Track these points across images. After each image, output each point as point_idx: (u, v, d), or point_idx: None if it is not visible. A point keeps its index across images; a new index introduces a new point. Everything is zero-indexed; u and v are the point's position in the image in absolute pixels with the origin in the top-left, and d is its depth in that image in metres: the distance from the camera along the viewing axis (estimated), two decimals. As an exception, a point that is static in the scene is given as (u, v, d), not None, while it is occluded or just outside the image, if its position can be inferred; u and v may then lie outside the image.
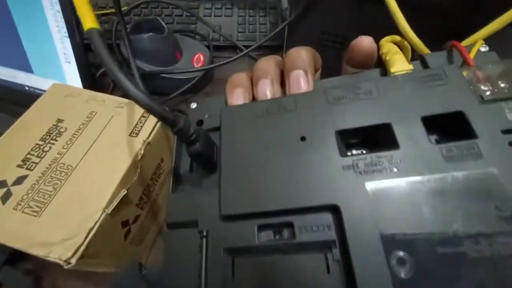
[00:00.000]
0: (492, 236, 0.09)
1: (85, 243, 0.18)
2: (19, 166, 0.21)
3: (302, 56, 0.14)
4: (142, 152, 0.22)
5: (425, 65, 0.13)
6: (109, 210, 0.20)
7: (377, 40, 0.15)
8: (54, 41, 0.30)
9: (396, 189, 0.10)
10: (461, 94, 0.11)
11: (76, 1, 0.11)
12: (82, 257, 0.18)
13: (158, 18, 0.38)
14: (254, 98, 0.15)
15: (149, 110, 0.10)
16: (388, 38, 0.16)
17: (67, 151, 0.22)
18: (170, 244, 0.11)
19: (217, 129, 0.14)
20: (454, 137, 0.10)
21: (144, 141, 0.23)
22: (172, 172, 0.13)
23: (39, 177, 0.21)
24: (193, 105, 0.16)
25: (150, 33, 0.36)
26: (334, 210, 0.10)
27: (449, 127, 0.11)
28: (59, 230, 0.18)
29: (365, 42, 0.13)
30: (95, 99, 0.25)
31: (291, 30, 0.35)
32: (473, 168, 0.10)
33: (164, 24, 0.37)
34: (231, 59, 0.37)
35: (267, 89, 0.14)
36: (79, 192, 0.20)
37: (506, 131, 0.10)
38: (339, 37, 0.33)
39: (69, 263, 0.18)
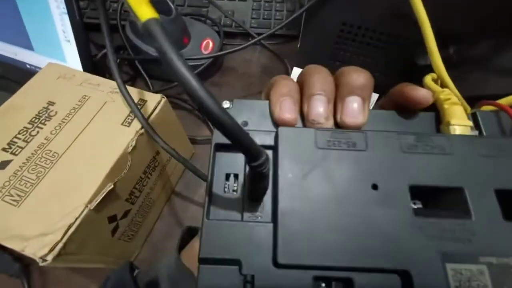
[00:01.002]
0: None
1: (63, 240, 0.17)
2: (4, 149, 0.20)
3: (362, 80, 0.13)
4: (134, 143, 0.20)
5: (475, 121, 0.13)
6: (92, 206, 0.18)
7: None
8: (53, 18, 0.28)
9: (469, 261, 0.09)
10: None
11: None
12: (59, 255, 0.17)
13: (167, -1, 0.35)
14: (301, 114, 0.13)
15: (231, 136, 0.08)
16: (432, 75, 0.16)
17: (55, 136, 0.21)
18: (202, 283, 0.10)
19: (269, 148, 0.12)
20: None
21: (137, 131, 0.21)
22: (207, 193, 0.11)
23: (23, 163, 0.19)
24: (226, 104, 0.13)
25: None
26: (404, 275, 0.09)
27: None
28: (38, 224, 0.17)
29: (421, 95, 0.12)
30: (89, 82, 0.24)
31: (309, 19, 0.32)
32: None
33: (172, 6, 0.35)
34: (241, 47, 0.34)
35: (322, 109, 0.12)
36: (63, 183, 0.19)
37: None
38: (362, 29, 0.30)
39: (45, 260, 0.16)
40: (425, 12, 0.17)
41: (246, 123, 0.13)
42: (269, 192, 0.11)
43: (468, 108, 0.14)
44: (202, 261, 0.10)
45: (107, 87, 0.23)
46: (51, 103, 0.22)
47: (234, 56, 0.42)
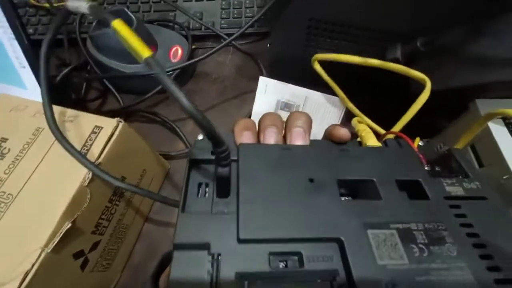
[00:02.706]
0: (448, 269, 0.12)
1: (21, 288, 0.16)
2: (-44, 195, 0.19)
3: (303, 118, 0.17)
4: (90, 175, 0.19)
5: (386, 144, 0.17)
6: (49, 248, 0.17)
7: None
8: (4, 45, 0.27)
9: (384, 228, 0.13)
10: (418, 168, 0.15)
11: (126, 35, 0.13)
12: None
13: (125, 8, 0.33)
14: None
15: (203, 127, 0.11)
16: (358, 118, 0.25)
17: (8, 176, 0.20)
18: (176, 267, 0.11)
19: (234, 161, 0.15)
20: (415, 195, 0.14)
21: (93, 162, 0.20)
22: (183, 191, 0.14)
23: (-23, 208, 0.19)
24: (200, 137, 0.16)
25: (116, 27, 0.32)
26: (339, 242, 0.12)
27: (412, 188, 0.14)
28: (-7, 273, 0.16)
29: (342, 133, 0.16)
30: (42, 112, 0.22)
31: (277, 16, 0.30)
32: (430, 219, 0.13)
33: (132, 15, 0.33)
34: (209, 52, 0.32)
35: (274, 136, 0.16)
36: (18, 227, 0.18)
37: (446, 198, 0.14)
38: (329, 24, 0.28)
39: (2, 313, 0.16)
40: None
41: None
42: (233, 194, 0.14)
43: (383, 131, 0.23)
44: (176, 246, 0.12)
45: (61, 115, 0.22)
46: (3, 140, 0.21)
47: (206, 60, 0.40)
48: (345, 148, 0.16)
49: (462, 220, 0.13)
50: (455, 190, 0.14)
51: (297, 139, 0.16)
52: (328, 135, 0.17)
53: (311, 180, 0.14)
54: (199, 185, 0.14)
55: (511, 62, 0.21)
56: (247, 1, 0.43)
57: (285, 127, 0.17)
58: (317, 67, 0.27)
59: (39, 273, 0.17)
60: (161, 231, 0.30)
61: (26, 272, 0.16)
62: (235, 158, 0.15)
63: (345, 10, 0.27)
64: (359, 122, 0.24)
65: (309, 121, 0.17)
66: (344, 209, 0.13)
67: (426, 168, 0.15)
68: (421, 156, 0.16)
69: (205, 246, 0.12)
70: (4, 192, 0.19)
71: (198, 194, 0.14)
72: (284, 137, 0.17)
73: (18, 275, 0.16)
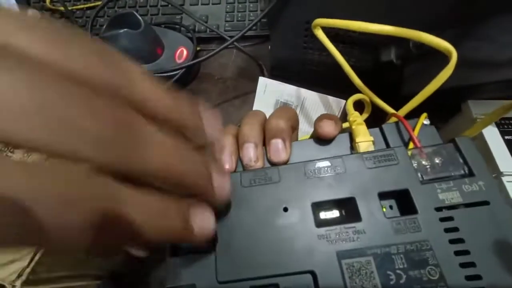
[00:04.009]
0: None
1: (31, 265, 0.18)
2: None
3: (280, 126, 0.16)
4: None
5: (382, 133, 0.16)
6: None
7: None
8: None
9: (359, 255, 0.12)
10: (408, 175, 0.14)
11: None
12: (28, 279, 0.17)
13: (134, 12, 0.35)
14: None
15: None
16: (354, 97, 0.21)
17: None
18: None
19: None
20: (403, 205, 0.13)
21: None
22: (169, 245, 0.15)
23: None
24: None
25: (125, 29, 0.34)
26: (312, 274, 0.12)
27: (400, 197, 0.14)
28: (6, 252, 0.18)
29: (327, 131, 0.16)
30: None
31: (275, 20, 0.32)
32: (414, 239, 0.12)
33: (140, 18, 0.35)
34: (212, 52, 0.34)
35: (251, 153, 0.16)
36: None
37: (437, 209, 0.13)
38: (326, 27, 0.29)
39: (14, 286, 0.17)
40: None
41: None
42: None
43: (391, 111, 0.19)
44: None
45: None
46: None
47: (210, 61, 0.42)
48: (326, 161, 0.15)
49: (453, 235, 0.12)
50: (451, 196, 0.13)
51: (275, 155, 0.16)
52: (316, 133, 0.17)
53: (285, 209, 0.14)
54: None
55: (501, 63, 0.22)
56: (251, 5, 0.45)
57: (265, 133, 0.17)
58: (319, 33, 0.25)
59: (48, 252, 0.18)
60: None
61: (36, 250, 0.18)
62: None
63: (340, 14, 0.28)
64: (354, 100, 0.21)
65: (289, 125, 0.16)
66: (319, 237, 0.13)
67: (424, 163, 0.14)
68: (420, 147, 0.14)
69: (192, 287, 0.13)
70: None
71: None
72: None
73: (29, 253, 0.18)
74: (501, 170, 0.21)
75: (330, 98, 0.30)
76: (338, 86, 0.29)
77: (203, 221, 0.10)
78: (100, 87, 0.08)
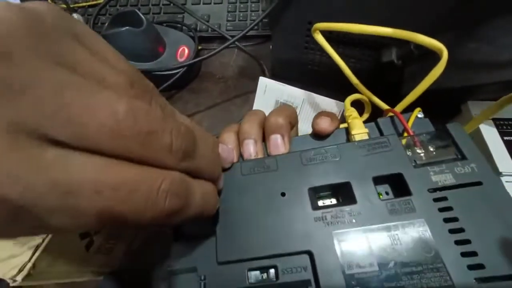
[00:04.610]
0: (422, 272, 0.11)
1: (32, 260, 0.18)
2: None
3: (279, 122, 0.17)
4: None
5: (378, 126, 0.17)
6: (59, 225, 0.19)
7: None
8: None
9: (355, 236, 0.13)
10: (401, 160, 0.14)
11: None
12: (29, 274, 0.18)
13: (136, 10, 0.35)
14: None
15: None
16: (351, 97, 0.22)
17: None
18: None
19: None
20: (398, 189, 0.14)
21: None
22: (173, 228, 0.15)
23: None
24: None
25: (127, 27, 0.34)
26: (309, 254, 0.13)
27: (394, 182, 0.14)
28: (6, 247, 0.18)
29: (323, 127, 0.16)
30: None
31: (277, 20, 0.32)
32: (409, 219, 0.12)
33: (142, 16, 0.35)
34: (214, 51, 0.34)
35: (251, 149, 0.16)
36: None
37: (431, 190, 0.13)
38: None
39: (15, 281, 0.17)
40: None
41: None
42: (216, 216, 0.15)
43: (386, 107, 0.20)
44: (171, 272, 0.14)
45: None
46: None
47: (211, 60, 0.42)
48: (321, 149, 0.15)
49: (447, 214, 0.12)
50: (443, 178, 0.13)
51: (275, 149, 0.16)
52: (313, 129, 0.17)
53: (283, 194, 0.14)
54: None
55: (500, 64, 0.22)
56: (253, 5, 0.45)
57: (265, 130, 0.17)
58: (318, 37, 0.25)
59: (49, 247, 0.18)
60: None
61: (37, 246, 0.18)
62: None
63: (341, 14, 0.28)
64: (352, 100, 0.22)
65: (288, 122, 0.17)
66: (315, 220, 0.13)
67: (418, 150, 0.14)
68: (413, 135, 0.15)
69: (194, 269, 0.13)
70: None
71: None
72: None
73: (30, 248, 0.18)
74: (500, 170, 0.21)
75: (330, 100, 0.31)
76: (339, 87, 0.29)
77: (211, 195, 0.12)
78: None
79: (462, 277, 0.11)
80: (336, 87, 0.30)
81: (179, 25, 0.44)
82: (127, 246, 0.29)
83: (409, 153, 0.14)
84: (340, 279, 0.12)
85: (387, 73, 0.27)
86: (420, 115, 0.16)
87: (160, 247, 0.21)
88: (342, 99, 0.30)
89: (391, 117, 0.17)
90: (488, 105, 0.20)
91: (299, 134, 0.21)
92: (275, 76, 0.38)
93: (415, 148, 0.14)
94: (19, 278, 0.17)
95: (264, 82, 0.32)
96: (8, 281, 0.17)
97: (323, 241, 0.13)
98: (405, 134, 0.15)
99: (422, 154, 0.14)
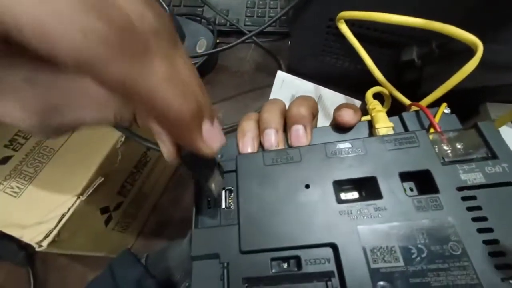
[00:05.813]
0: (448, 269, 0.11)
1: (57, 228, 0.18)
2: (6, 146, 0.22)
3: (302, 113, 0.16)
4: (123, 139, 0.22)
5: (402, 121, 0.16)
6: (84, 197, 0.19)
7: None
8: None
9: (380, 231, 0.12)
10: (428, 156, 0.14)
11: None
12: (54, 241, 0.18)
13: (161, 0, 0.36)
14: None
15: None
16: (373, 89, 0.20)
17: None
18: (195, 274, 0.13)
19: (233, 171, 0.15)
20: (424, 185, 0.13)
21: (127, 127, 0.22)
22: (194, 209, 0.15)
23: (23, 158, 0.21)
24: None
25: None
26: (333, 247, 0.13)
27: (420, 178, 0.14)
28: (34, 213, 0.19)
29: (346, 120, 0.16)
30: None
31: (297, 16, 0.32)
32: (436, 217, 0.12)
33: (164, 5, 0.36)
34: (231, 44, 0.34)
35: (272, 139, 0.16)
36: (57, 176, 0.20)
37: (459, 188, 0.13)
38: (348, 24, 0.30)
39: (41, 246, 0.18)
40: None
41: (221, 155, 0.17)
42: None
43: (408, 102, 0.19)
44: (193, 258, 0.14)
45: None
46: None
47: (228, 54, 0.42)
48: (346, 143, 0.15)
49: (475, 214, 0.12)
50: (473, 177, 0.13)
51: (296, 140, 0.16)
52: (335, 121, 0.17)
53: (307, 186, 0.14)
54: (208, 198, 0.15)
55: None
56: (271, 2, 0.46)
57: (286, 120, 0.17)
58: (343, 27, 0.24)
59: (73, 217, 0.19)
60: (173, 207, 0.32)
61: (63, 215, 0.19)
62: (234, 168, 0.15)
63: (363, 10, 0.28)
64: (374, 92, 0.20)
65: (310, 112, 0.17)
66: (340, 214, 0.13)
67: (445, 147, 0.14)
68: (440, 131, 0.14)
69: (216, 256, 0.13)
70: (47, 147, 0.21)
71: (208, 206, 0.15)
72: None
73: (56, 216, 0.18)
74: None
75: (346, 97, 0.31)
76: (353, 88, 0.30)
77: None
78: None
79: (489, 276, 0.11)
80: (350, 88, 0.30)
81: (198, 18, 0.44)
82: (141, 228, 0.29)
83: (436, 148, 0.14)
84: (364, 273, 0.12)
85: (406, 72, 0.28)
86: (447, 111, 0.16)
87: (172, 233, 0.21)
88: (359, 98, 0.31)
89: (417, 111, 0.16)
90: (509, 108, 0.20)
91: None
92: (291, 72, 0.39)
93: (442, 144, 0.14)
94: (44, 243, 0.18)
95: (281, 76, 0.33)
96: (34, 245, 0.18)
97: (348, 235, 0.12)
98: (432, 130, 0.15)
99: (449, 151, 0.14)
